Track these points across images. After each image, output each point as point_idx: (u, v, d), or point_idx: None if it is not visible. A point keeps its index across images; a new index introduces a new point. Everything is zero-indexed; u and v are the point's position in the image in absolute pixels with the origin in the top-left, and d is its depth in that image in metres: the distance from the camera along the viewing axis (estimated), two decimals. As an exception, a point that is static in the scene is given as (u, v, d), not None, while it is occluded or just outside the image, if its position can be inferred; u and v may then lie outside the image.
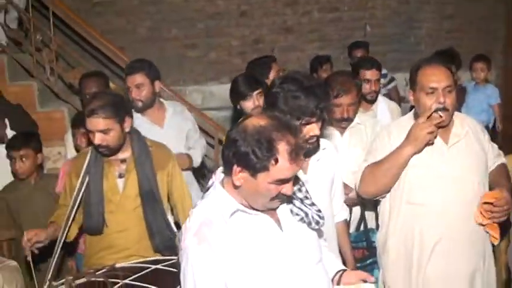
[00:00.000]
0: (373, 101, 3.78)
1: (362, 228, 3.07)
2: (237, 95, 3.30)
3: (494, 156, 2.72)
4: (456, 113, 2.59)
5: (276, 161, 1.67)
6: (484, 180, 2.60)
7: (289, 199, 1.88)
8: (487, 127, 4.59)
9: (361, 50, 5.27)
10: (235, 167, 1.72)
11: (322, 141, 2.49)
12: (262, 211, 1.80)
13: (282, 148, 1.68)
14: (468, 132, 2.60)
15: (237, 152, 1.71)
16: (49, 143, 4.32)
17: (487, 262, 2.61)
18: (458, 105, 4.35)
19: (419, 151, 2.46)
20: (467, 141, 2.57)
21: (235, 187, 1.78)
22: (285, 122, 1.76)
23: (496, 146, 2.78)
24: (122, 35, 5.87)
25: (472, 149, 2.58)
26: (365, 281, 2.04)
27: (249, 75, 3.49)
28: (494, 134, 4.67)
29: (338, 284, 2.05)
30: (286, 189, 1.74)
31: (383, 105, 3.82)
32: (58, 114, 4.88)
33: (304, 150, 1.75)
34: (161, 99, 3.62)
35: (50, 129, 4.47)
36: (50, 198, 3.26)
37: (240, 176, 1.73)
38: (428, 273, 2.53)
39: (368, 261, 2.97)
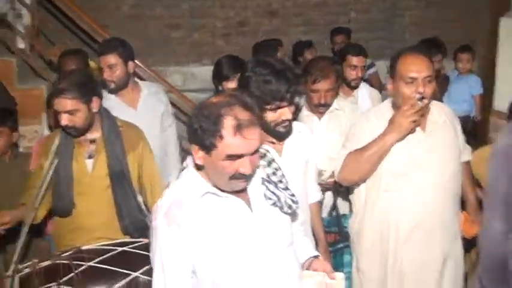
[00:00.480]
0: (355, 87, 3.78)
1: (334, 213, 3.10)
2: (219, 76, 3.27)
3: (462, 150, 2.75)
4: (433, 102, 2.60)
5: (221, 136, 1.66)
6: (458, 167, 2.65)
7: (265, 182, 1.87)
8: (468, 117, 4.62)
9: (343, 35, 5.26)
10: (193, 145, 1.73)
11: (297, 124, 2.50)
12: (233, 193, 1.79)
13: (228, 123, 1.66)
14: (445, 120, 2.62)
15: (190, 129, 1.71)
16: (26, 121, 4.25)
17: (457, 245, 2.68)
18: (441, 94, 4.36)
19: (402, 139, 2.48)
20: (444, 130, 2.60)
21: (199, 167, 1.78)
22: (240, 98, 1.74)
23: (464, 139, 2.81)
24: (104, 13, 5.78)
25: (448, 137, 2.61)
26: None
27: (233, 56, 3.46)
28: (475, 125, 4.70)
29: (308, 269, 2.08)
30: (243, 167, 1.71)
31: (364, 92, 3.83)
32: (36, 91, 4.76)
33: (257, 126, 1.71)
34: (136, 80, 3.56)
35: (28, 107, 4.37)
36: (24, 176, 3.20)
37: (200, 155, 1.73)
38: (404, 260, 2.57)
39: (339, 246, 3.01)
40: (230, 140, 1.66)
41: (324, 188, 2.99)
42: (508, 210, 2.17)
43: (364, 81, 4.09)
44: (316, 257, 2.13)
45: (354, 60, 3.70)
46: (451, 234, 2.63)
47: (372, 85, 4.16)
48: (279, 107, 2.22)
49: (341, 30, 5.35)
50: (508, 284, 2.19)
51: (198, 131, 1.68)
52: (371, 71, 4.91)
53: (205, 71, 4.02)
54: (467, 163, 2.86)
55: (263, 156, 1.95)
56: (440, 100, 3.88)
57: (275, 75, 2.20)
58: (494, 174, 2.23)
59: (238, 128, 1.66)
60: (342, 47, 4.49)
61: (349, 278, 2.76)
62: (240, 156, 1.69)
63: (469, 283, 2.98)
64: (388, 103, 2.66)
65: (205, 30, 6.04)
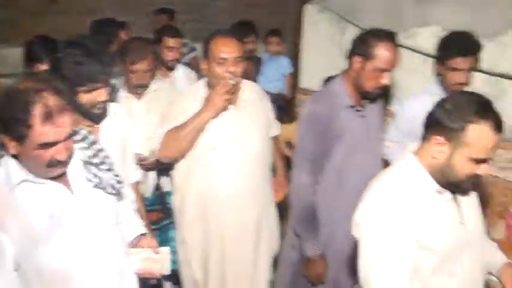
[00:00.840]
0: (172, 68, 3.83)
1: (157, 192, 3.17)
2: (31, 59, 3.07)
3: (272, 125, 3.01)
4: (244, 81, 2.79)
5: (30, 126, 1.61)
6: (268, 140, 2.89)
7: (86, 165, 1.87)
8: (280, 94, 4.96)
9: (166, 16, 5.25)
10: (3, 136, 1.65)
11: (112, 105, 2.50)
12: (51, 179, 1.75)
13: (36, 111, 1.61)
14: (256, 98, 2.83)
15: None
16: None
17: (271, 209, 2.96)
18: (255, 74, 4.62)
19: (216, 116, 2.62)
20: (254, 106, 2.81)
21: (15, 156, 1.70)
22: (49, 83, 1.69)
23: (274, 115, 3.07)
24: None
25: (258, 113, 2.83)
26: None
27: (45, 37, 3.26)
28: (286, 101, 5.06)
29: (135, 247, 2.16)
30: (58, 154, 1.68)
31: (181, 73, 3.91)
32: None
33: (69, 112, 1.69)
34: None
35: None
36: None
37: (12, 145, 1.65)
38: (223, 227, 2.75)
39: (164, 223, 3.10)
40: (40, 129, 1.61)
41: (146, 168, 3.03)
42: (313, 166, 2.53)
43: (187, 65, 4.19)
44: (143, 234, 2.22)
45: (171, 41, 3.74)
46: (264, 200, 2.88)
47: (193, 69, 4.24)
48: (94, 89, 2.18)
49: (164, 10, 5.33)
50: (316, 227, 2.58)
51: (6, 120, 1.60)
52: (192, 55, 5.02)
53: (15, 53, 3.72)
54: (276, 137, 3.13)
55: (84, 138, 1.93)
56: (255, 80, 4.13)
57: (88, 56, 2.15)
58: (301, 136, 2.57)
59: (48, 115, 1.61)
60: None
61: (174, 252, 2.87)
62: (53, 144, 1.66)
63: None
64: (202, 83, 2.78)
65: (13, 8, 5.55)
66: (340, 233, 2.62)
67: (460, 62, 2.70)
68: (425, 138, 1.77)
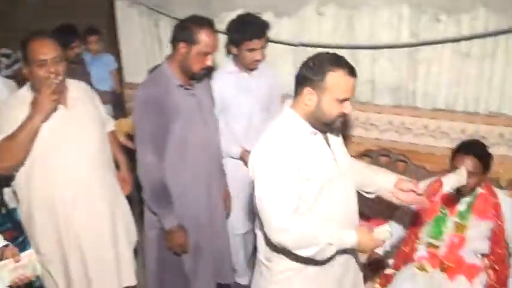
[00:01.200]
0: None
1: (4, 210, 3.06)
2: None
3: (106, 122, 3.09)
4: (70, 80, 2.82)
5: None
6: (104, 136, 2.96)
7: None
8: (112, 92, 4.98)
9: None
10: None
11: None
12: None
13: None
14: (84, 96, 2.88)
15: None
16: None
17: (121, 200, 3.05)
18: (87, 76, 4.57)
19: (48, 118, 2.61)
20: (84, 104, 2.85)
21: None
22: None
23: (107, 111, 3.17)
24: None
25: (89, 111, 2.88)
26: None
27: None
28: (118, 97, 5.08)
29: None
30: None
31: (0, 84, 3.75)
32: None
33: None
34: None
35: None
36: None
37: None
38: (75, 229, 2.77)
39: (19, 240, 2.98)
40: None
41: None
42: (155, 145, 2.70)
43: (11, 77, 4.02)
44: (6, 246, 2.26)
45: None
46: (113, 193, 2.96)
47: (19, 80, 4.05)
48: None
49: None
50: (169, 201, 2.77)
51: None
52: (16, 66, 4.80)
53: None
54: (113, 132, 3.21)
55: None
56: (90, 82, 4.13)
57: None
58: (139, 119, 2.72)
59: None
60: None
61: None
62: None
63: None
64: (26, 88, 2.74)
65: None
66: (193, 201, 2.84)
67: (255, 43, 3.08)
68: (297, 92, 2.15)
